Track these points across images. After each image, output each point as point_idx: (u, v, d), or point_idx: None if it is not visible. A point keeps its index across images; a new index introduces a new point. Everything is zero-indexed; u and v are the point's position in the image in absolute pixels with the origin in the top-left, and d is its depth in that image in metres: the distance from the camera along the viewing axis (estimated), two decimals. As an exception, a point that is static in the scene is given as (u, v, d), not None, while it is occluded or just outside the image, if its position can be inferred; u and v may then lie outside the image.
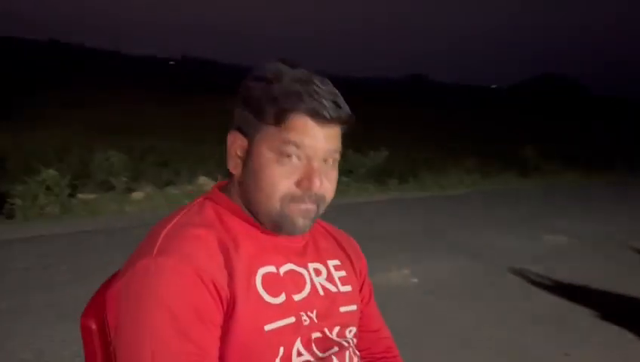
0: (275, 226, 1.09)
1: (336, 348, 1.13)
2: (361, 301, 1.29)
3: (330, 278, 1.19)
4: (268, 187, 1.05)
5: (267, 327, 1.03)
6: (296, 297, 1.10)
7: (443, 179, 12.35)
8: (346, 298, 1.19)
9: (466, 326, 4.16)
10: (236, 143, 1.10)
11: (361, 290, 1.29)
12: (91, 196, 7.47)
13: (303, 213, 1.07)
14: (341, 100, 1.07)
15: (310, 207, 1.08)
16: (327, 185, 1.09)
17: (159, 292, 0.95)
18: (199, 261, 0.98)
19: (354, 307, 1.21)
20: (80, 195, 7.38)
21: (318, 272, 1.17)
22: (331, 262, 1.22)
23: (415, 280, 5.13)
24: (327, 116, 1.04)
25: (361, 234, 6.56)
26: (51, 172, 6.94)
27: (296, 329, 1.07)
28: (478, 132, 31.01)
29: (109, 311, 1.03)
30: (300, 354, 1.07)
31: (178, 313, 0.94)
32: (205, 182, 8.90)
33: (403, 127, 28.35)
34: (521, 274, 5.57)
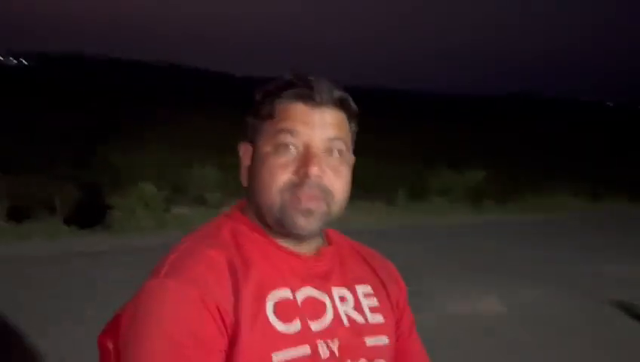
0: (278, 224, 1.02)
1: None
2: (399, 335, 1.16)
3: (357, 307, 1.08)
4: (267, 179, 1.00)
5: (275, 357, 0.95)
6: (315, 326, 1.00)
7: (546, 202, 11.69)
8: (374, 329, 1.08)
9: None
10: (245, 154, 1.07)
11: (399, 323, 1.17)
12: (184, 210, 7.75)
13: (303, 210, 0.99)
14: (339, 87, 1.03)
15: (311, 200, 0.99)
16: (332, 177, 1.01)
17: (161, 316, 0.92)
18: (205, 284, 0.94)
19: (385, 340, 1.09)
20: (174, 209, 7.68)
21: (343, 299, 1.07)
22: (360, 289, 1.11)
23: (503, 309, 4.81)
24: (318, 98, 1.00)
25: (451, 257, 6.36)
26: (149, 187, 7.27)
27: (312, 360, 0.98)
28: (590, 152, 29.19)
29: (121, 330, 1.00)
30: None
31: (178, 338, 0.90)
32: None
33: (505, 147, 27.26)
34: (626, 308, 5.05)
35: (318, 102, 1.00)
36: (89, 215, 7.70)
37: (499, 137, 32.70)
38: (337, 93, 1.02)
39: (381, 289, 1.15)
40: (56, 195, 8.31)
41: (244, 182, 1.08)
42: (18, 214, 7.55)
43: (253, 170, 1.04)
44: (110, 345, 1.07)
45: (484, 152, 19.64)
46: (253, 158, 1.05)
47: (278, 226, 1.02)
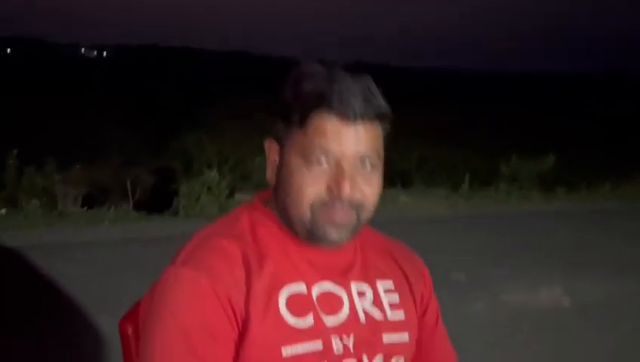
0: (309, 235, 1.02)
1: None
2: (423, 328, 1.16)
3: (376, 302, 1.08)
4: (296, 194, 1.00)
5: (285, 351, 0.96)
6: (329, 320, 1.00)
7: (624, 190, 11.06)
8: (393, 326, 1.07)
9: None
10: (272, 151, 1.06)
11: (423, 316, 1.16)
12: (247, 197, 7.88)
13: (335, 224, 0.99)
14: (374, 97, 0.98)
15: (343, 216, 0.99)
16: (364, 190, 1.00)
17: (174, 305, 0.96)
18: (217, 275, 0.96)
19: (404, 336, 1.08)
20: (237, 195, 7.86)
21: (361, 294, 1.07)
22: (381, 284, 1.10)
23: (567, 301, 4.60)
24: (353, 115, 0.96)
25: (516, 247, 6.10)
26: (213, 174, 7.45)
27: (323, 356, 0.98)
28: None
29: (140, 317, 1.05)
30: None
31: (189, 328, 0.94)
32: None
33: (584, 130, 26.06)
34: None
35: (352, 119, 0.97)
36: (158, 201, 8.00)
37: (572, 120, 31.28)
38: (373, 108, 0.98)
39: (404, 283, 1.13)
40: (128, 181, 8.66)
41: (271, 178, 1.07)
42: (92, 200, 7.93)
43: (281, 176, 1.03)
44: (130, 330, 1.12)
45: (555, 136, 18.86)
46: (281, 162, 1.03)
47: (307, 236, 1.02)
